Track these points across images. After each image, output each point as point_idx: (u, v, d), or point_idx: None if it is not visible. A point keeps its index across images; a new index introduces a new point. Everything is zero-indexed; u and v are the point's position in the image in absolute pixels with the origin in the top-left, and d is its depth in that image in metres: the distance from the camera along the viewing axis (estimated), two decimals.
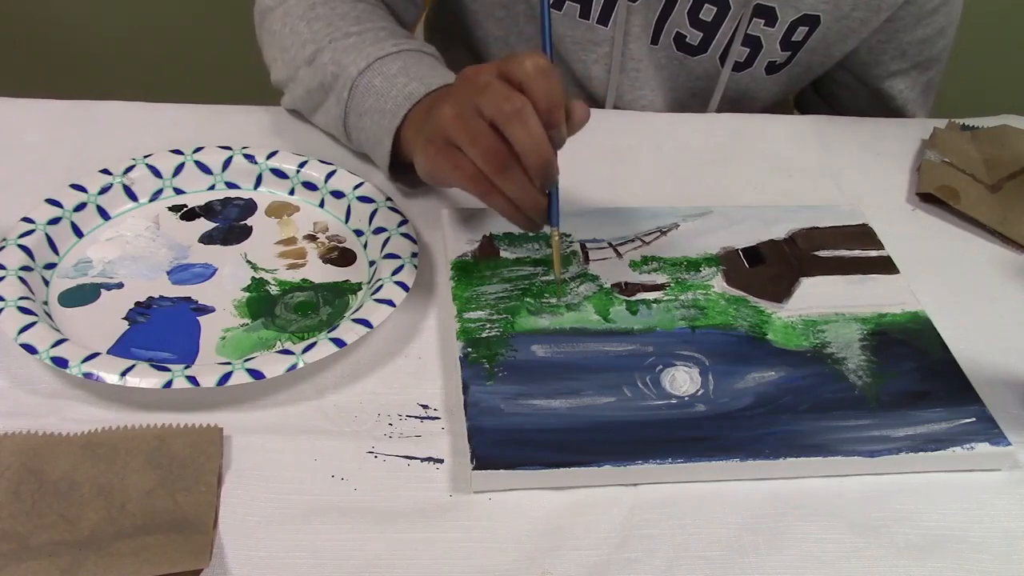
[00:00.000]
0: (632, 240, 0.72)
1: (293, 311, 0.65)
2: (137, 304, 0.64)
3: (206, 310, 0.64)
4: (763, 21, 0.87)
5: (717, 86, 0.92)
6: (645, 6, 0.87)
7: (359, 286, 0.67)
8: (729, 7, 0.86)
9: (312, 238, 0.71)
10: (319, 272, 0.68)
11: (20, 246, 0.64)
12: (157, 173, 0.73)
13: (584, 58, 0.90)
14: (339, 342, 0.60)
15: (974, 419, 0.60)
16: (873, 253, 0.73)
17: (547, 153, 0.59)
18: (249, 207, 0.73)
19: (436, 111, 0.62)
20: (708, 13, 0.87)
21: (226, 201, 0.73)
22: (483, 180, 0.60)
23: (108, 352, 0.59)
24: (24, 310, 0.60)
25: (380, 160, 0.74)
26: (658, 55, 0.91)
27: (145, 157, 0.73)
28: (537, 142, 0.58)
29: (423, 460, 0.57)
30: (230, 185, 0.74)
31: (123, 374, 0.56)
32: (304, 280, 0.67)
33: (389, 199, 0.72)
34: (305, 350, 0.59)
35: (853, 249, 0.73)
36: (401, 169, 0.74)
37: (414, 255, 0.67)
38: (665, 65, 0.91)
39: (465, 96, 0.60)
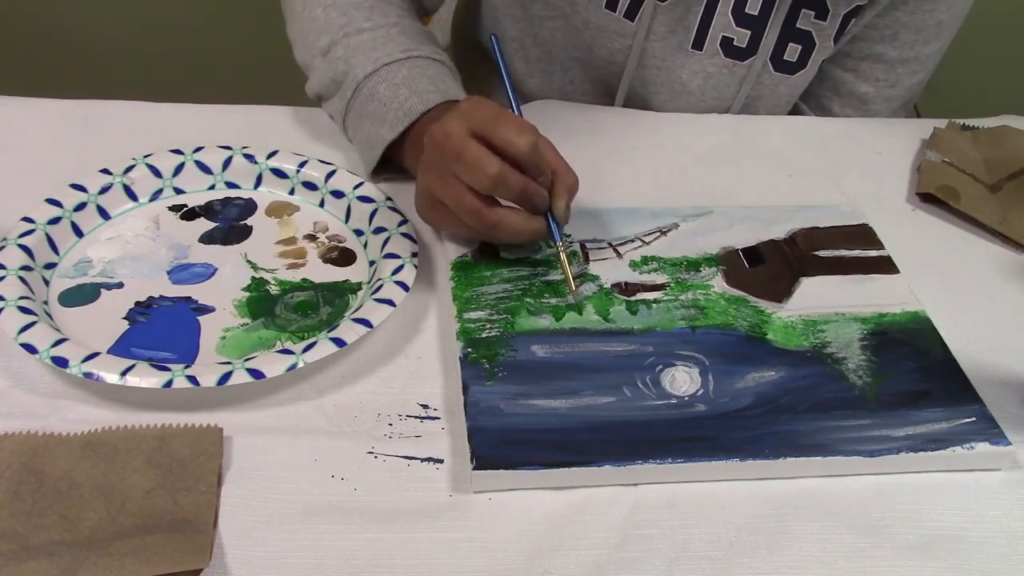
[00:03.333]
0: (632, 240, 0.72)
1: (293, 311, 0.65)
2: (137, 304, 0.64)
3: (206, 310, 0.64)
4: (813, 13, 0.85)
5: (767, 92, 0.90)
6: (678, 7, 0.85)
7: (359, 286, 0.67)
8: None
9: (312, 238, 0.71)
10: (319, 272, 0.68)
11: (20, 246, 0.64)
12: (157, 173, 0.73)
13: (608, 45, 0.89)
14: (339, 342, 0.60)
15: (974, 419, 0.60)
16: (873, 253, 0.73)
17: (538, 196, 0.64)
18: (249, 207, 0.73)
19: (420, 174, 0.66)
20: (754, 6, 0.85)
21: (226, 201, 0.73)
22: (477, 231, 0.65)
23: (108, 352, 0.59)
24: (24, 310, 0.60)
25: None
26: (703, 63, 0.88)
27: (145, 157, 0.73)
28: (523, 192, 0.63)
29: (423, 460, 0.57)
30: (230, 185, 0.74)
31: (123, 374, 0.56)
32: (304, 280, 0.67)
33: (389, 199, 0.72)
34: (305, 350, 0.59)
35: (853, 249, 0.73)
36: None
37: (414, 255, 0.67)
38: (713, 73, 0.89)
39: (440, 161, 0.63)
